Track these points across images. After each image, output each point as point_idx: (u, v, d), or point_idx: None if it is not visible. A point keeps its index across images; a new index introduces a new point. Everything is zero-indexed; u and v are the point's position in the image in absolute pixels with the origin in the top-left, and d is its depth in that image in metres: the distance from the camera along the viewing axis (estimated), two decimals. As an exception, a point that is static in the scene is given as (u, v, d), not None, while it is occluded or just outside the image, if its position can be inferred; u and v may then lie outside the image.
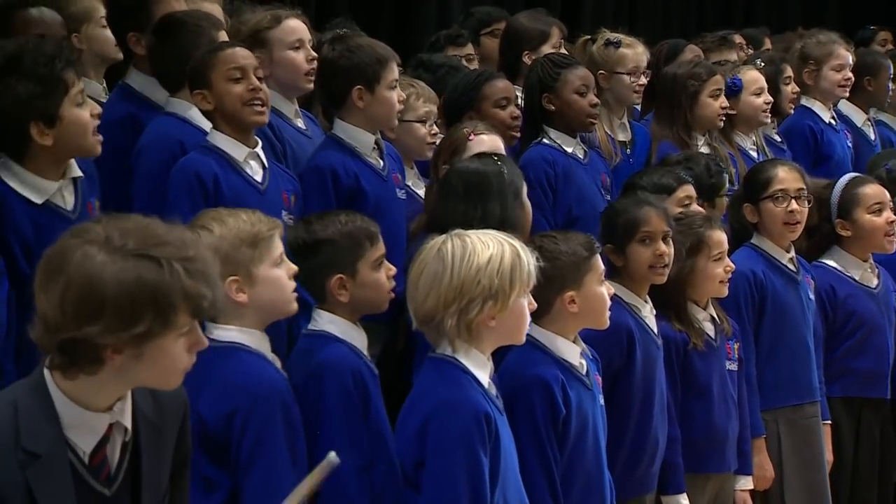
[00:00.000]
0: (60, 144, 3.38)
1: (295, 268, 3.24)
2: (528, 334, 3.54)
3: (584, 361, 3.66)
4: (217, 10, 4.54)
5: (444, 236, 3.27)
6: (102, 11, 4.62)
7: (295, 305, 3.26)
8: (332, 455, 3.02)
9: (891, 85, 6.38)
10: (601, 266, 3.67)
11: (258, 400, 3.07)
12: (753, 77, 5.57)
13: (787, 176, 4.60)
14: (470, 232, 3.28)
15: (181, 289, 2.25)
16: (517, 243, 3.26)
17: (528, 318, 3.30)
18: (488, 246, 3.21)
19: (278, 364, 3.24)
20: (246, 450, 3.07)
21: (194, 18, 4.23)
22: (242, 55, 3.93)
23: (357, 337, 3.41)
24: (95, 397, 2.31)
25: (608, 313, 3.67)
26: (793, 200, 4.56)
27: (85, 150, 3.46)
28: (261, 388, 3.10)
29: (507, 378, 3.52)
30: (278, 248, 3.22)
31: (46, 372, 2.31)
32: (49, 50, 3.40)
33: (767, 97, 5.57)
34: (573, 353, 3.63)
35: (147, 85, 4.31)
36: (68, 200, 3.47)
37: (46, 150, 3.38)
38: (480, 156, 3.95)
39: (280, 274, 3.20)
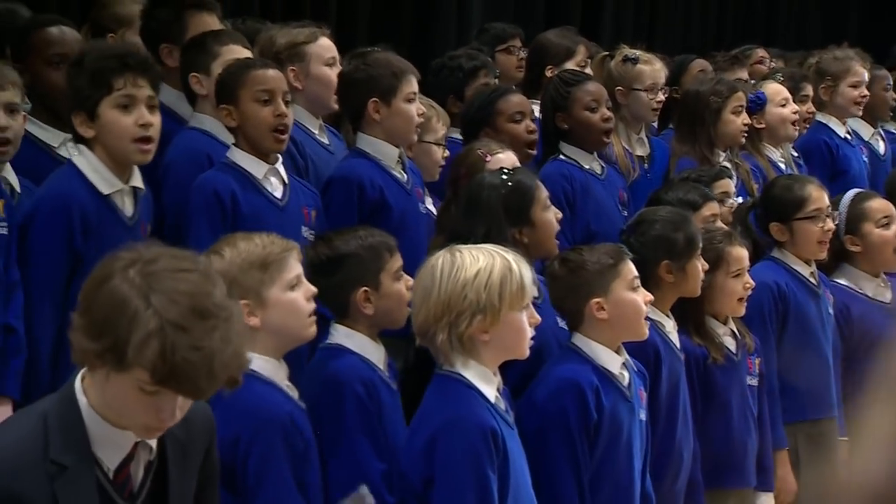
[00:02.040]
0: (101, 141, 3.48)
1: (313, 289, 3.20)
2: (570, 342, 3.62)
3: (625, 372, 3.68)
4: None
5: (441, 252, 3.29)
6: None
7: (312, 330, 3.22)
8: (364, 489, 3.03)
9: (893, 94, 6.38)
10: (631, 273, 3.68)
11: (260, 427, 3.04)
12: (776, 89, 5.58)
13: (819, 194, 4.62)
14: (465, 246, 3.30)
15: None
16: (511, 257, 3.26)
17: (529, 332, 3.29)
18: (478, 260, 3.22)
19: (294, 394, 3.21)
20: (251, 476, 3.06)
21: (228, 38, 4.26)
22: (273, 77, 3.94)
23: (373, 351, 3.42)
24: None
25: (645, 322, 3.70)
26: (827, 219, 4.58)
27: (123, 154, 3.52)
28: (263, 414, 3.06)
29: (543, 382, 3.56)
30: (292, 270, 3.17)
31: (77, 385, 2.34)
32: (108, 51, 3.57)
33: (793, 107, 5.58)
34: (613, 361, 3.66)
35: (174, 99, 4.35)
36: (128, 207, 3.56)
37: (96, 145, 3.49)
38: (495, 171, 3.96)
39: (294, 297, 3.16)
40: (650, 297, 3.73)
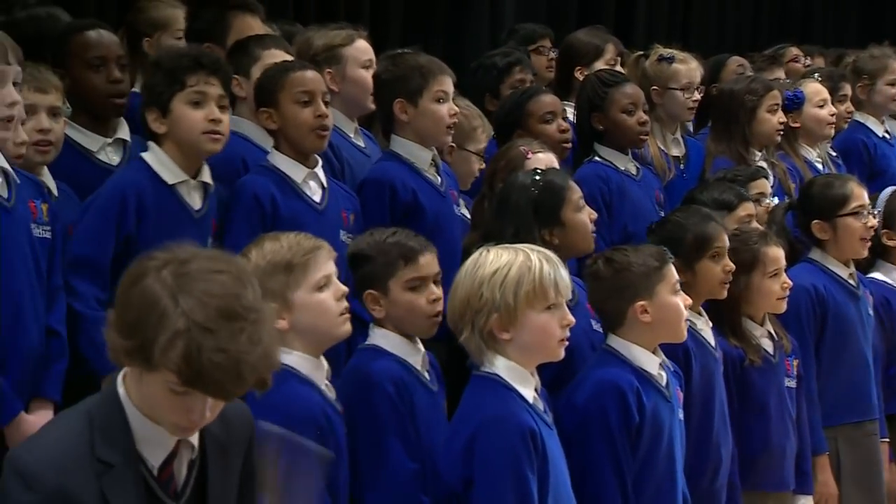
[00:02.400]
0: (173, 136, 3.62)
1: (344, 289, 3.22)
2: (606, 343, 3.63)
3: (663, 373, 3.68)
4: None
5: (478, 251, 3.30)
6: (182, 24, 4.71)
7: (345, 329, 3.22)
8: None
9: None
10: (674, 276, 3.68)
11: (294, 425, 3.00)
12: (815, 89, 5.55)
13: (860, 191, 4.62)
14: (498, 245, 3.30)
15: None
16: (537, 257, 3.26)
17: (557, 334, 3.28)
18: (500, 258, 3.24)
19: (332, 394, 3.21)
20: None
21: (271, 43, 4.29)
22: (313, 79, 3.97)
23: (410, 351, 3.42)
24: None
25: (685, 325, 3.70)
26: (869, 216, 4.56)
27: (194, 147, 3.64)
28: (298, 412, 3.06)
29: (583, 384, 3.57)
30: (320, 270, 3.17)
31: (120, 384, 2.36)
32: (183, 51, 3.84)
33: (831, 108, 5.55)
34: (651, 362, 3.65)
35: None
36: (195, 200, 3.68)
37: (166, 140, 3.63)
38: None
39: (322, 298, 3.17)
40: (689, 300, 3.73)
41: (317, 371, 3.18)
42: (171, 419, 2.32)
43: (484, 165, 4.56)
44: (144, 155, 3.69)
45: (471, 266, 3.26)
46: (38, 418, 3.29)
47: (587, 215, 3.89)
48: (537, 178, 3.85)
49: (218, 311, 2.23)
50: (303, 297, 3.15)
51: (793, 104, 5.41)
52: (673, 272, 3.69)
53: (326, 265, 3.20)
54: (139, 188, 3.61)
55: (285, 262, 3.15)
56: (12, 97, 3.36)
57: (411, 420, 3.35)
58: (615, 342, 3.67)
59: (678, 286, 3.69)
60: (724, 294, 4.03)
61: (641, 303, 3.63)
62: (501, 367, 3.25)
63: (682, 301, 3.68)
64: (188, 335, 2.21)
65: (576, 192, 3.89)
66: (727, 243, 4.04)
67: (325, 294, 3.18)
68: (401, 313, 3.39)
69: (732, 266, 4.02)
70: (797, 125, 5.46)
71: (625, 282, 3.61)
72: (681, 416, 3.72)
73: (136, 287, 2.26)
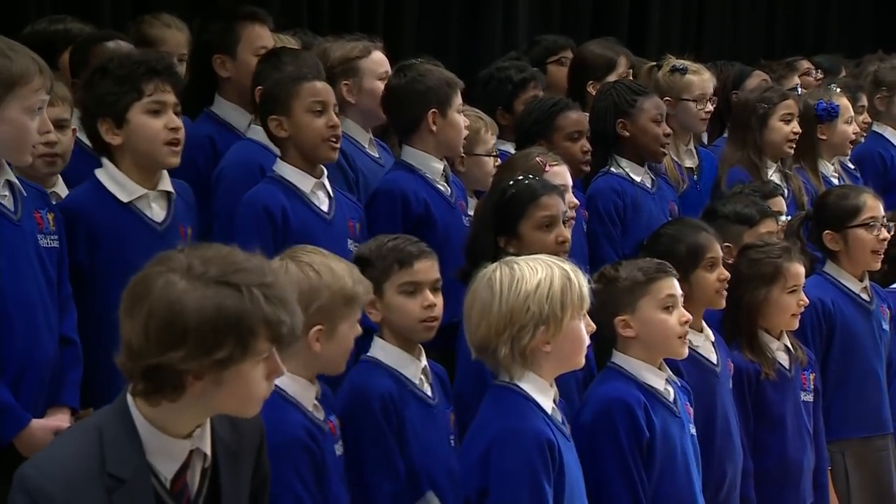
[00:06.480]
0: (130, 147, 3.50)
1: (360, 330, 3.22)
2: (611, 361, 3.59)
3: (670, 388, 3.65)
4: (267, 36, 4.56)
5: (494, 264, 3.28)
6: (184, 50, 4.69)
7: (343, 369, 3.23)
8: (430, 495, 3.02)
9: None
10: (664, 291, 3.64)
11: (276, 447, 2.92)
12: (845, 105, 5.53)
13: (874, 203, 4.58)
14: (520, 258, 3.29)
15: (261, 315, 2.28)
16: (568, 266, 3.26)
17: (586, 341, 3.29)
18: (537, 271, 3.22)
19: (320, 415, 3.18)
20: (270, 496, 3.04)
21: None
22: (325, 89, 3.97)
23: (408, 364, 3.42)
24: (177, 424, 2.35)
25: (681, 342, 3.65)
26: (882, 228, 4.53)
27: (154, 159, 3.53)
28: (279, 437, 2.98)
29: (590, 403, 3.54)
30: (360, 311, 3.21)
31: (129, 398, 2.35)
32: (135, 57, 3.60)
33: (856, 126, 5.53)
34: (656, 378, 3.63)
35: (230, 111, 4.39)
36: (157, 212, 3.56)
37: (121, 152, 3.50)
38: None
39: (352, 335, 3.19)
40: (688, 316, 3.67)
41: (306, 392, 3.15)
42: (260, 394, 2.34)
43: (499, 162, 4.54)
44: (98, 173, 3.56)
45: (506, 281, 3.20)
46: (54, 423, 3.30)
47: (552, 237, 3.82)
48: (513, 182, 3.85)
49: (262, 268, 2.32)
50: (345, 331, 3.15)
51: (826, 116, 5.38)
52: (663, 287, 3.64)
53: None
54: (88, 214, 3.50)
55: (352, 295, 3.14)
56: (47, 126, 3.39)
57: (398, 438, 3.33)
58: (618, 359, 3.64)
59: (671, 301, 3.64)
60: (722, 304, 4.01)
61: (623, 318, 3.60)
62: (524, 378, 3.23)
63: (674, 317, 3.62)
64: (266, 302, 2.27)
65: (544, 210, 3.82)
66: (720, 253, 4.01)
67: (354, 332, 3.19)
68: (395, 318, 3.41)
69: (727, 275, 3.98)
70: (824, 137, 5.43)
71: (608, 296, 3.58)
72: (693, 431, 3.69)
73: (185, 311, 2.25)
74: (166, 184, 3.59)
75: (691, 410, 3.72)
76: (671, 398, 3.63)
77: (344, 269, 3.17)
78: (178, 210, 3.61)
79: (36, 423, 3.29)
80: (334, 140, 3.92)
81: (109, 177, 3.53)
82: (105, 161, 3.56)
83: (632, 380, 3.60)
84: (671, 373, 3.70)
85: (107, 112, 3.50)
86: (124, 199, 3.52)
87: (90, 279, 3.49)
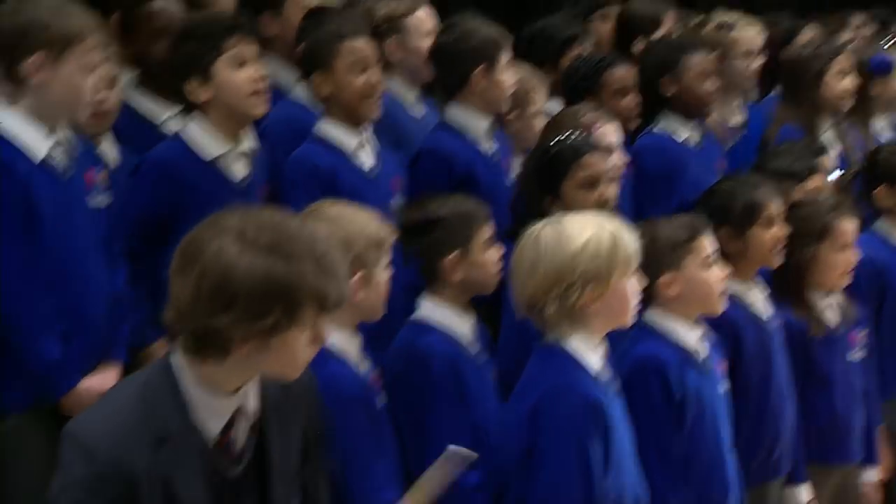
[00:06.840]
0: (218, 102, 3.60)
1: (391, 271, 3.24)
2: (644, 318, 3.55)
3: (704, 345, 3.62)
4: None
5: (542, 222, 3.26)
6: (232, 9, 4.67)
7: (381, 314, 3.25)
8: (451, 448, 3.02)
9: None
10: (706, 249, 3.60)
11: (340, 405, 3.01)
12: None
13: None
14: (567, 217, 3.27)
15: (309, 287, 2.28)
16: (617, 225, 3.24)
17: (635, 300, 3.27)
18: (585, 229, 3.19)
19: (363, 366, 3.20)
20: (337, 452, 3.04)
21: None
22: (367, 46, 3.96)
23: (460, 323, 3.43)
24: (222, 382, 2.36)
25: (720, 297, 3.62)
26: None
27: (241, 110, 3.63)
28: (342, 393, 3.05)
29: (623, 361, 3.51)
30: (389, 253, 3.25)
31: (175, 356, 2.36)
32: (214, 16, 3.79)
33: None
34: (691, 337, 3.60)
35: (276, 68, 4.38)
36: (239, 170, 3.64)
37: (210, 108, 3.61)
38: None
39: (386, 278, 3.21)
40: (725, 272, 3.63)
41: (351, 343, 3.18)
42: (303, 360, 2.35)
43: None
44: (182, 131, 3.66)
45: (553, 239, 3.19)
46: (100, 382, 3.31)
47: (595, 196, 3.79)
48: (555, 142, 3.84)
49: (313, 237, 2.32)
50: (379, 275, 3.18)
51: (880, 70, 5.29)
52: (705, 244, 3.60)
53: None
54: (172, 169, 3.59)
55: (380, 239, 3.19)
56: (102, 84, 3.48)
57: (461, 398, 3.35)
58: (652, 317, 3.60)
59: (712, 258, 3.61)
60: (777, 262, 3.96)
61: (667, 276, 3.57)
62: (572, 336, 3.22)
63: (715, 274, 3.59)
64: (315, 273, 2.28)
65: (586, 170, 3.81)
66: (777, 210, 3.96)
67: (387, 274, 3.21)
68: (478, 273, 3.45)
69: (784, 233, 3.94)
70: (877, 93, 5.34)
71: (651, 255, 3.49)
72: (722, 389, 3.64)
73: (235, 274, 2.25)
74: (246, 141, 3.66)
75: (723, 367, 3.68)
76: (704, 356, 3.60)
77: (368, 216, 3.21)
78: (257, 168, 3.69)
79: (83, 382, 3.32)
80: (376, 98, 3.91)
81: (196, 133, 3.62)
82: (191, 118, 3.64)
83: (667, 339, 3.57)
84: (707, 327, 3.66)
85: (193, 71, 3.58)
86: (207, 157, 3.61)
87: (172, 234, 3.49)
